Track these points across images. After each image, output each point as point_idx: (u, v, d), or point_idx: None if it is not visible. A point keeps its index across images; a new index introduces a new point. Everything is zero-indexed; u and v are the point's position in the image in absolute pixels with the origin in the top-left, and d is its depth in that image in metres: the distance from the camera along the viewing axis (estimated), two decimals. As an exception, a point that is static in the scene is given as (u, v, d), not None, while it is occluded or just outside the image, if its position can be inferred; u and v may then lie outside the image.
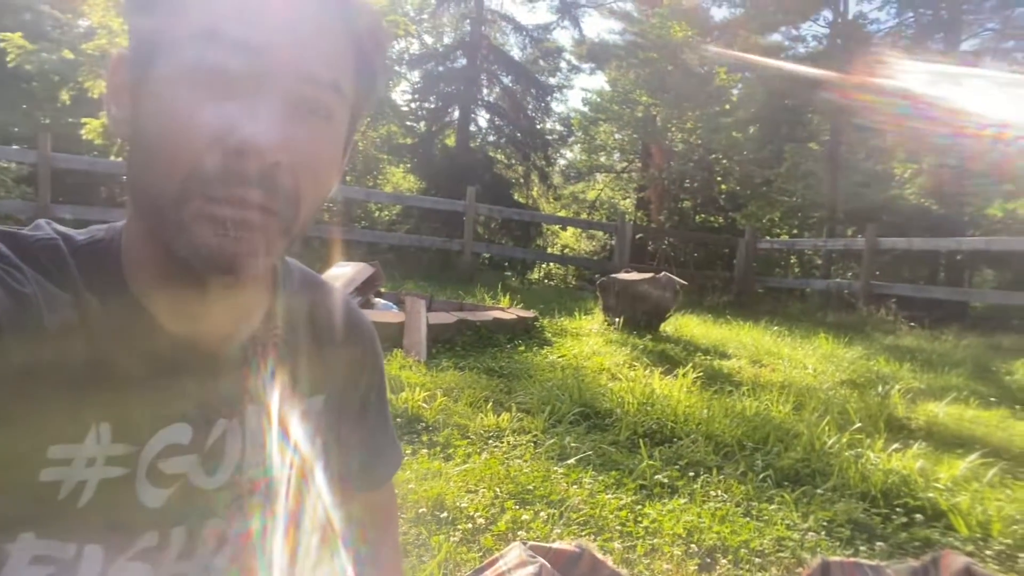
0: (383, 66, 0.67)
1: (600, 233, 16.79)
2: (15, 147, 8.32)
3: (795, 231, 15.25)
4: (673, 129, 15.42)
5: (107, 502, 0.62)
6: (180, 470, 0.67)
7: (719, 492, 2.34)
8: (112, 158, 8.32)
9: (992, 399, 4.23)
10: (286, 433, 0.77)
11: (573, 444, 2.68)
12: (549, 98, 19.21)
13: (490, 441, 2.69)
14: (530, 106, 18.76)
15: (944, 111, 8.92)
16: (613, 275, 5.93)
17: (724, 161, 14.64)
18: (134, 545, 0.66)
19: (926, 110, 9.24)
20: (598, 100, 17.67)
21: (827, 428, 3.04)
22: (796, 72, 11.40)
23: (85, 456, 0.60)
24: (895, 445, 2.85)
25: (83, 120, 8.17)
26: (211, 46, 0.54)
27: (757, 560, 1.89)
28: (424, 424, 2.80)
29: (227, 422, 0.70)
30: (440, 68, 17.52)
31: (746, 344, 5.64)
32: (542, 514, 2.04)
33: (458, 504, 2.05)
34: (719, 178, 15.43)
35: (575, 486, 2.29)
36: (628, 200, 19.65)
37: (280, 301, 0.76)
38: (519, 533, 1.90)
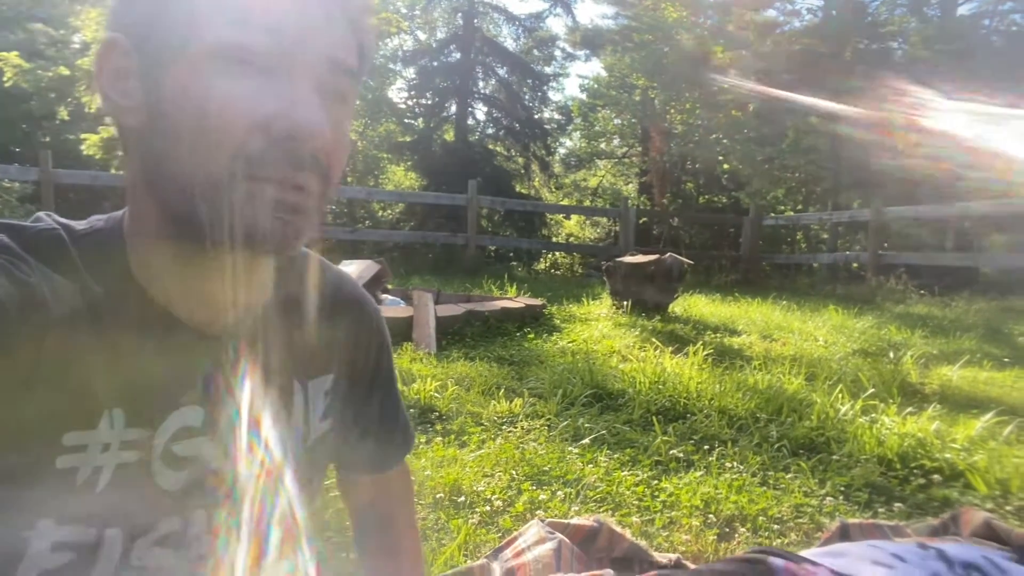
0: (373, 46, 0.68)
1: (604, 219, 16.75)
2: (16, 166, 8.35)
3: (800, 206, 15.18)
4: (672, 111, 15.36)
5: (125, 486, 0.63)
6: (194, 452, 0.68)
7: (735, 464, 2.34)
8: (113, 172, 8.34)
9: (1005, 360, 4.21)
10: (296, 414, 0.78)
11: (587, 425, 2.69)
12: (546, 87, 19.20)
13: (504, 426, 2.70)
14: (527, 96, 18.73)
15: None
16: (619, 259, 5.92)
17: (725, 140, 14.56)
18: (156, 530, 0.67)
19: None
20: (595, 86, 17.61)
21: (840, 396, 3.03)
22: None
23: (100, 442, 0.61)
24: (909, 409, 2.84)
25: (83, 136, 8.20)
26: (243, 32, 0.55)
27: (776, 527, 1.90)
28: (437, 413, 2.81)
29: (237, 403, 0.71)
30: (435, 63, 17.51)
31: (755, 320, 5.63)
32: (559, 494, 2.05)
33: (475, 488, 2.06)
34: (721, 157, 15.35)
35: (591, 465, 2.29)
36: (630, 185, 19.62)
37: (283, 282, 0.77)
38: (537, 513, 1.91)
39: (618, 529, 1.61)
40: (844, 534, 1.57)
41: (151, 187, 0.62)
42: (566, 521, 1.59)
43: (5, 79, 8.61)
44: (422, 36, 18.46)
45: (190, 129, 0.55)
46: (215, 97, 0.55)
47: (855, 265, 10.49)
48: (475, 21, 17.43)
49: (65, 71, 9.01)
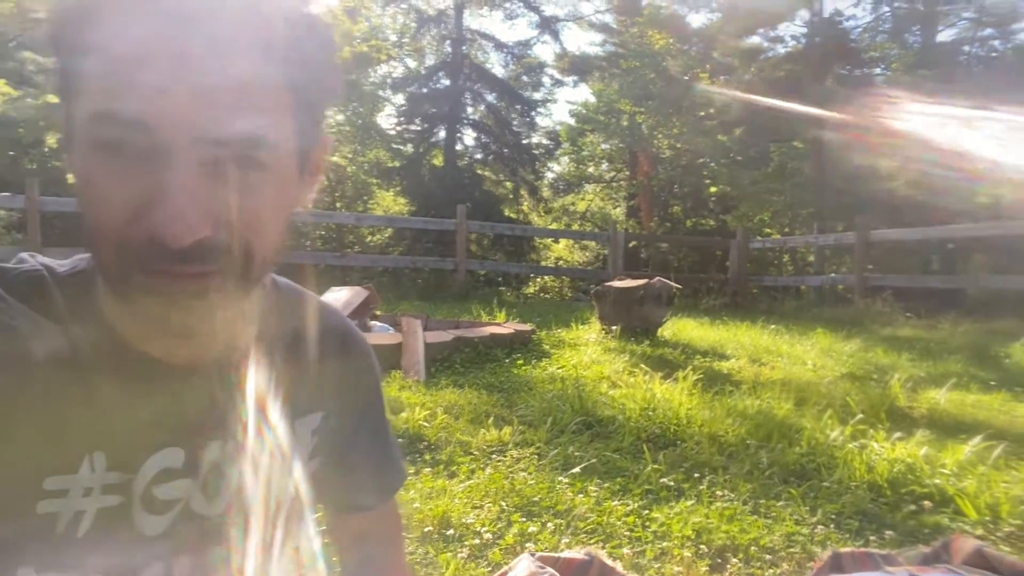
0: (331, 69, 0.62)
1: (593, 243, 16.82)
2: (2, 194, 8.30)
3: (786, 229, 15.31)
4: (659, 136, 15.51)
5: (106, 532, 0.62)
6: (176, 495, 0.67)
7: (726, 492, 2.33)
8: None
9: (992, 383, 4.24)
10: (284, 454, 0.77)
11: (577, 454, 2.67)
12: (534, 113, 19.39)
13: (493, 456, 2.68)
14: (515, 122, 18.91)
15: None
16: (607, 283, 5.93)
17: (712, 164, 14.73)
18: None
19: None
20: (583, 112, 17.79)
21: (830, 422, 3.04)
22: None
23: (81, 486, 0.60)
24: (898, 434, 2.85)
25: (70, 163, 8.17)
26: (109, 127, 0.51)
27: (768, 557, 1.88)
28: (426, 443, 2.78)
29: (221, 444, 0.70)
30: (424, 90, 17.68)
31: (744, 344, 5.64)
32: (549, 525, 2.03)
33: (464, 520, 2.03)
34: (708, 181, 15.50)
35: (581, 495, 2.28)
36: (619, 209, 19.73)
37: (269, 320, 0.76)
38: (527, 545, 1.89)
39: (609, 562, 1.59)
40: (836, 564, 1.56)
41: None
42: (556, 555, 1.57)
43: (-8, 107, 8.60)
44: (411, 63, 18.64)
45: (85, 215, 0.55)
46: (93, 194, 0.54)
47: (842, 287, 10.55)
48: (464, 48, 17.64)
49: (53, 99, 9.00)
